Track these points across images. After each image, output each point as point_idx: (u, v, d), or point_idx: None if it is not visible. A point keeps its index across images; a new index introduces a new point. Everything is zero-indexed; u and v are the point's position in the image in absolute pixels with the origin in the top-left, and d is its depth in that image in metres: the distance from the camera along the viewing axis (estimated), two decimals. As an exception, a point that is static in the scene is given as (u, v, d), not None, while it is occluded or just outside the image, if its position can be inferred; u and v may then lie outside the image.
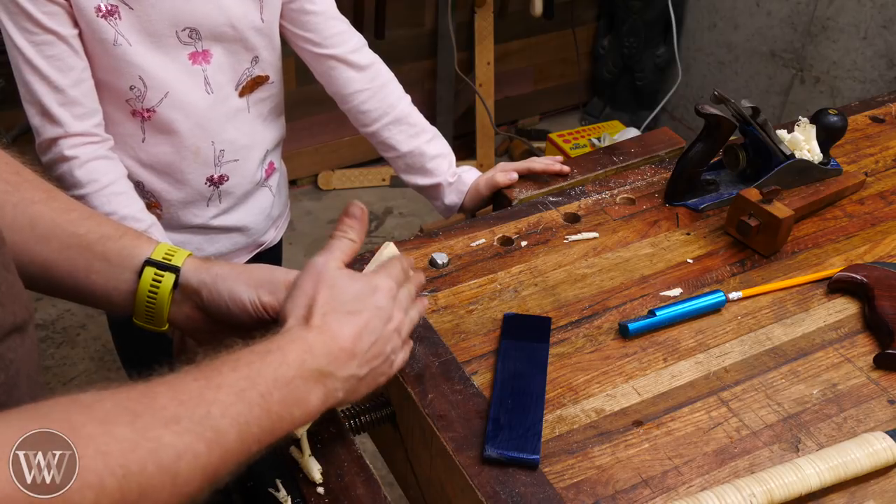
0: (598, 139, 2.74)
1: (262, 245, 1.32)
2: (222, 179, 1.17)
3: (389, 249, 0.82)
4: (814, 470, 0.73)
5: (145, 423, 0.53)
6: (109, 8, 0.99)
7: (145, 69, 1.03)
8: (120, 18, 1.00)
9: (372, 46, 1.22)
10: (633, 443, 0.79)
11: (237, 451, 0.58)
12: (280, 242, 1.39)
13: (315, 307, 0.68)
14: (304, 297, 0.69)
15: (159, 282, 0.75)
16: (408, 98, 1.24)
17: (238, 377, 0.60)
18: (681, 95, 3.02)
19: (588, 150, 2.53)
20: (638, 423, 0.80)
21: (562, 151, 2.75)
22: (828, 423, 0.81)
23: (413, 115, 1.23)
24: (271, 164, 1.25)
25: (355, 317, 0.69)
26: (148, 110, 1.06)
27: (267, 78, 1.16)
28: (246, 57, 1.11)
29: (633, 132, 2.68)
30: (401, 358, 0.75)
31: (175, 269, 0.75)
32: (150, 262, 0.75)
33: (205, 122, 1.10)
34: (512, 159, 3.07)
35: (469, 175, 1.22)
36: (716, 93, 1.03)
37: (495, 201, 1.18)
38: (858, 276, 0.95)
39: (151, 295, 0.75)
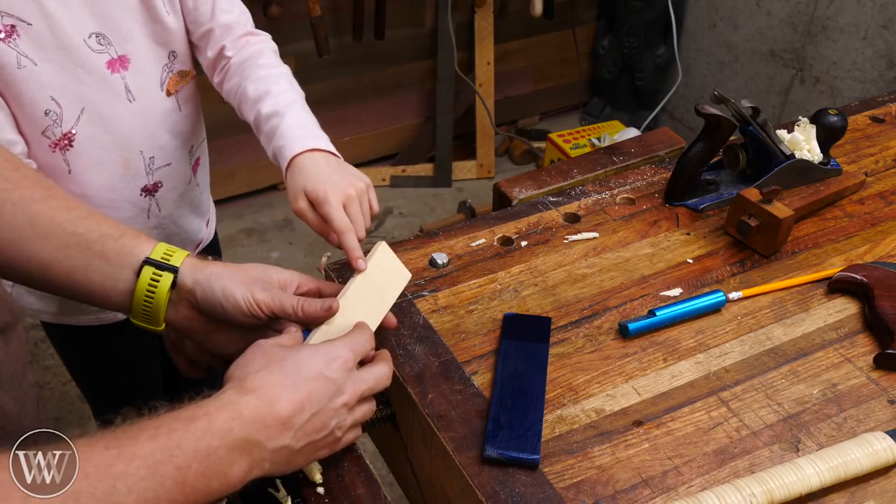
0: (598, 139, 2.74)
1: (199, 244, 1.30)
2: (157, 187, 1.13)
3: (381, 249, 0.82)
4: (814, 470, 0.73)
5: (41, 500, 0.50)
6: (5, 28, 0.92)
7: (56, 87, 0.97)
8: (19, 37, 0.93)
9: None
10: (633, 443, 0.79)
11: None
12: (216, 239, 1.37)
13: (254, 371, 0.66)
14: (244, 361, 0.67)
15: (157, 281, 0.75)
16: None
17: (155, 447, 0.57)
18: (681, 95, 3.02)
19: (588, 150, 2.54)
20: (638, 423, 0.80)
21: (562, 151, 2.75)
22: (828, 423, 0.81)
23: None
24: (198, 159, 1.22)
25: (298, 383, 0.65)
26: (66, 135, 1.01)
27: (191, 73, 1.12)
28: (162, 53, 1.07)
29: (633, 132, 2.68)
30: (350, 436, 0.72)
31: (173, 269, 0.75)
32: (148, 262, 0.75)
33: (129, 131, 1.06)
34: (512, 159, 3.07)
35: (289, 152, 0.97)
36: (716, 93, 1.03)
37: (495, 201, 1.18)
38: (858, 276, 0.95)
39: (149, 294, 0.75)
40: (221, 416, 0.61)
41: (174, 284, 0.75)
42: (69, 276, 0.74)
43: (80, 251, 0.73)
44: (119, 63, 1.02)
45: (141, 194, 1.12)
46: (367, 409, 0.74)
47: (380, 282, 0.81)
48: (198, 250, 1.30)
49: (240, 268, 0.77)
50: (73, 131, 1.01)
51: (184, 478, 0.57)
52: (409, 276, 0.85)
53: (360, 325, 0.76)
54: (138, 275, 0.75)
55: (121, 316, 1.20)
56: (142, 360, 1.35)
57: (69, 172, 1.04)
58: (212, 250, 1.35)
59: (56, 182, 1.01)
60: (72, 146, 1.02)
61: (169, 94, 1.09)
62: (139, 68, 1.04)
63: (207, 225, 1.32)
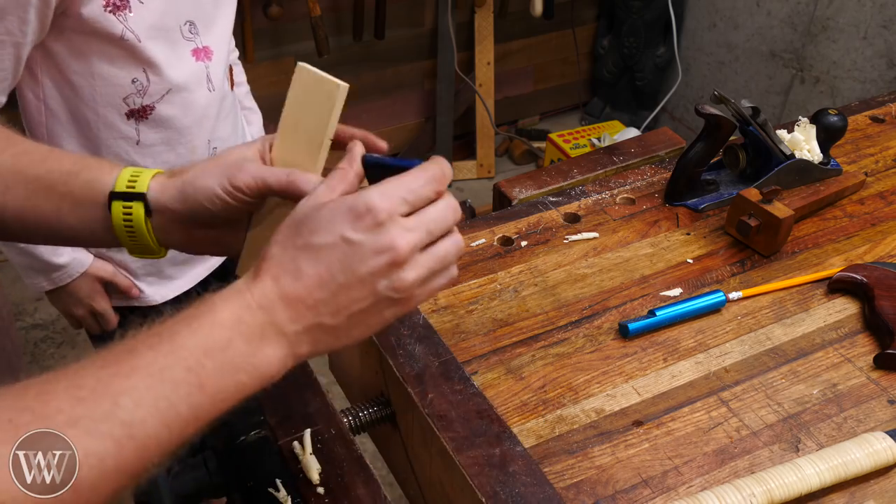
0: (598, 139, 2.74)
1: None
2: None
3: (301, 70, 0.69)
4: (814, 470, 0.73)
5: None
6: (119, 3, 0.97)
7: (151, 64, 1.02)
8: (130, 12, 0.97)
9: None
10: (633, 443, 0.79)
11: (162, 439, 0.50)
12: None
13: (271, 249, 0.56)
14: (268, 244, 0.58)
15: (130, 213, 0.67)
16: None
17: (157, 355, 0.51)
18: (681, 95, 3.02)
19: (588, 150, 2.54)
20: (638, 423, 0.80)
21: (562, 151, 2.75)
22: (828, 423, 0.81)
23: None
24: None
25: (313, 255, 0.55)
26: (145, 107, 1.04)
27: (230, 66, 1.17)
28: (231, 45, 1.12)
29: (633, 132, 2.68)
30: (435, 284, 0.58)
31: (141, 197, 0.67)
32: (114, 196, 0.67)
33: (204, 119, 1.10)
34: (512, 159, 3.07)
35: None
36: (716, 93, 1.03)
37: (495, 201, 1.18)
38: (858, 276, 0.95)
39: (128, 228, 0.68)
40: (227, 307, 0.54)
41: (150, 211, 0.67)
42: (44, 222, 0.68)
43: (46, 195, 0.67)
44: (203, 53, 1.06)
45: None
46: (449, 245, 0.58)
47: (312, 103, 0.69)
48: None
49: (211, 160, 0.69)
50: (154, 106, 1.04)
51: (199, 378, 0.51)
52: (346, 86, 0.68)
53: (431, 165, 0.59)
54: (110, 210, 0.67)
55: (159, 298, 1.23)
56: None
57: (137, 143, 1.07)
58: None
59: (120, 150, 1.06)
60: (146, 118, 1.05)
61: (231, 87, 1.14)
62: (218, 60, 1.08)
63: None
